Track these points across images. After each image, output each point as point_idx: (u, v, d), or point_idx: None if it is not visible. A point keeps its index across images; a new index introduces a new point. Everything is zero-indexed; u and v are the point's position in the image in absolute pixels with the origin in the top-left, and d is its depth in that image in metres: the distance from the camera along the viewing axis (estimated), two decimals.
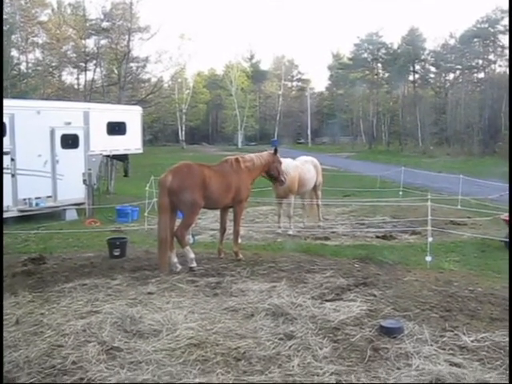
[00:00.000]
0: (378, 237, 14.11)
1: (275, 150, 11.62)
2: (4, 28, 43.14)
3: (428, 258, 10.35)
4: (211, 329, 6.71)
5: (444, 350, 6.10)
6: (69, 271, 9.87)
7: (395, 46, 79.61)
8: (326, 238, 13.98)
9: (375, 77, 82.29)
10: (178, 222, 10.29)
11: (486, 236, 13.25)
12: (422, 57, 76.91)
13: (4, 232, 13.82)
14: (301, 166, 15.16)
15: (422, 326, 6.75)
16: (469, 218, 15.81)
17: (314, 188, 15.80)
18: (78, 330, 6.67)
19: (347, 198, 22.13)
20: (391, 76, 79.30)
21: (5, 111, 16.31)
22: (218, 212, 12.18)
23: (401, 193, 22.61)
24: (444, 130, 68.75)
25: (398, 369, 5.61)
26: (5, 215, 16.17)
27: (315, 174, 15.58)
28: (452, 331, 6.63)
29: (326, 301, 7.83)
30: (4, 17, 45.56)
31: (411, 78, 79.05)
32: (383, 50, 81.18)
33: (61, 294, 8.37)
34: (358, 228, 15.53)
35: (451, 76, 78.05)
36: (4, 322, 6.86)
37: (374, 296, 8.07)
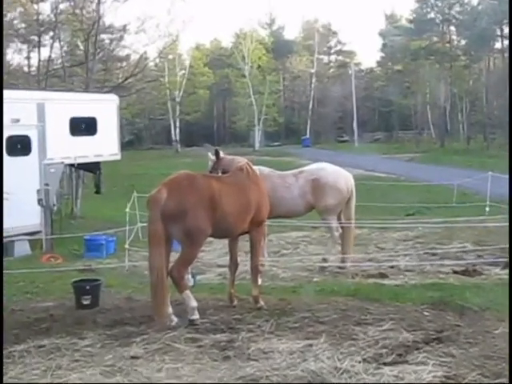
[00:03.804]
0: (456, 272, 14.01)
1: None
2: None
3: None
4: None
5: None
6: (20, 328, 9.90)
7: (474, 2, 79.70)
8: (383, 276, 13.91)
9: (447, 45, 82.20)
10: (173, 256, 10.30)
11: None
12: None
13: None
14: (276, 181, 14.89)
15: None
16: None
17: (321, 211, 15.39)
18: None
19: (411, 217, 22.03)
20: (470, 44, 79.20)
21: None
22: (226, 241, 12.18)
23: (487, 209, 22.46)
24: None
25: None
26: None
27: (305, 192, 14.92)
28: None
29: (384, 365, 7.77)
30: None
31: (498, 45, 78.90)
32: (457, 8, 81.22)
33: (9, 360, 8.38)
34: (427, 260, 15.43)
35: None
36: None
37: (453, 357, 7.98)
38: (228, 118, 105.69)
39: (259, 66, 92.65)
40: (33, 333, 9.59)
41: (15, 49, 55.03)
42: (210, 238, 12.06)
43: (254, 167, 11.67)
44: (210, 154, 14.06)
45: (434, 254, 16.11)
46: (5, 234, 18.13)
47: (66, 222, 22.10)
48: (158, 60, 68.84)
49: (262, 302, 10.70)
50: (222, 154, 11.66)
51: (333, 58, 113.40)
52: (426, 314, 10.08)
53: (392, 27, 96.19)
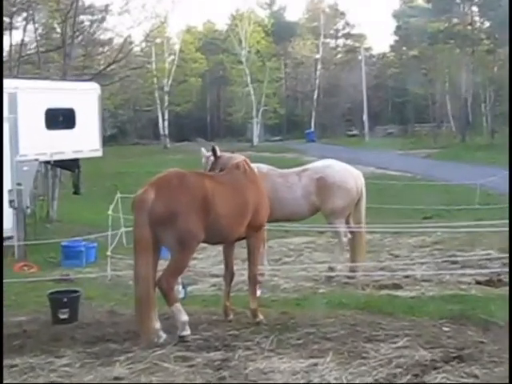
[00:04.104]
0: (479, 282, 14.05)
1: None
2: None
3: None
4: None
5: None
6: None
7: None
8: (397, 286, 13.93)
9: (469, 28, 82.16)
10: (161, 264, 10.28)
11: None
12: None
13: None
14: (277, 180, 14.87)
15: None
16: None
17: (327, 214, 15.45)
18: None
19: (428, 221, 22.04)
20: (494, 26, 79.13)
21: None
22: (220, 247, 12.17)
23: None
24: None
25: None
26: None
27: (310, 193, 14.97)
28: None
29: None
30: None
31: None
32: None
33: None
34: (446, 269, 15.44)
35: None
36: None
37: (476, 377, 7.98)
38: (223, 109, 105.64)
39: (258, 51, 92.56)
40: (4, 351, 9.57)
41: None
42: (203, 244, 12.06)
43: (252, 165, 11.67)
44: (203, 149, 14.06)
45: (454, 262, 16.12)
46: None
47: (41, 227, 22.11)
48: (144, 44, 69.11)
49: (261, 316, 10.70)
50: (219, 152, 11.57)
51: (340, 42, 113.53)
52: (445, 329, 10.07)
53: (407, 7, 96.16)
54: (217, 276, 14.64)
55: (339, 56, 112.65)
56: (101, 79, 32.52)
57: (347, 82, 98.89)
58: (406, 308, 11.55)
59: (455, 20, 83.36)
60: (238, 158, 11.36)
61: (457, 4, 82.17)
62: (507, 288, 13.54)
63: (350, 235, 15.18)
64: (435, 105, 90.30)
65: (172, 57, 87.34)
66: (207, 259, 17.02)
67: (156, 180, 10.02)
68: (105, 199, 19.52)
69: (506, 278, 14.19)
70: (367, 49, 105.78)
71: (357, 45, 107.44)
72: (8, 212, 18.65)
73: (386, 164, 48.27)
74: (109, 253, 15.82)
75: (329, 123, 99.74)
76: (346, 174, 15.33)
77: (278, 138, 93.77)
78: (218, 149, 11.59)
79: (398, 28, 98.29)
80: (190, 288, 13.47)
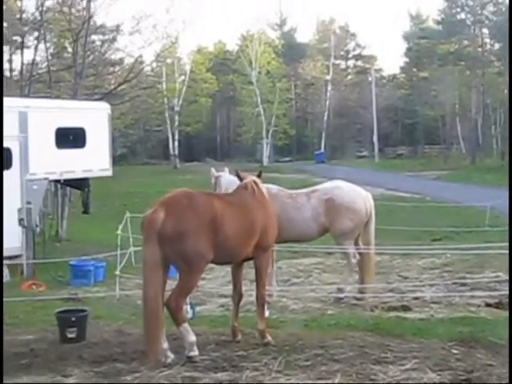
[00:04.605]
0: (488, 305, 14.00)
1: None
2: None
3: None
4: None
5: None
6: None
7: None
8: (406, 308, 13.89)
9: (479, 50, 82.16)
10: (169, 284, 10.27)
11: None
12: None
13: None
14: (286, 201, 14.87)
15: None
16: None
17: (336, 235, 15.42)
18: None
19: (438, 243, 21.98)
20: (504, 48, 79.10)
21: None
22: (229, 268, 12.16)
23: None
24: None
25: None
26: None
27: (319, 214, 14.90)
28: None
29: None
30: None
31: None
32: (491, 7, 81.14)
33: None
34: (456, 291, 15.36)
35: None
36: None
37: None
38: (233, 129, 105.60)
39: (268, 72, 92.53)
40: (11, 369, 9.55)
41: None
42: (212, 265, 12.04)
43: (262, 185, 11.65)
44: (212, 170, 14.07)
45: (463, 285, 16.06)
46: None
47: (50, 245, 22.10)
48: (154, 64, 68.94)
49: (269, 337, 10.66)
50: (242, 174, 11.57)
51: (351, 63, 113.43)
52: (454, 351, 10.02)
53: (417, 29, 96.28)
54: (225, 296, 14.63)
55: (349, 77, 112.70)
56: (111, 99, 32.75)
57: (357, 104, 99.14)
58: (414, 330, 11.51)
59: (465, 42, 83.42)
60: (256, 179, 11.40)
61: (467, 26, 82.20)
62: None
63: (358, 256, 15.15)
64: (445, 126, 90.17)
65: (182, 77, 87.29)
66: (216, 279, 17.00)
67: (165, 200, 10.01)
68: (114, 219, 19.52)
69: None
70: (377, 70, 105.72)
71: (367, 66, 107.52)
72: (17, 230, 18.66)
73: (396, 185, 48.20)
74: (117, 272, 15.81)
75: (339, 144, 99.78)
76: (355, 195, 15.32)
77: (287, 158, 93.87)
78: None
79: (409, 49, 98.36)
80: (198, 308, 13.45)
